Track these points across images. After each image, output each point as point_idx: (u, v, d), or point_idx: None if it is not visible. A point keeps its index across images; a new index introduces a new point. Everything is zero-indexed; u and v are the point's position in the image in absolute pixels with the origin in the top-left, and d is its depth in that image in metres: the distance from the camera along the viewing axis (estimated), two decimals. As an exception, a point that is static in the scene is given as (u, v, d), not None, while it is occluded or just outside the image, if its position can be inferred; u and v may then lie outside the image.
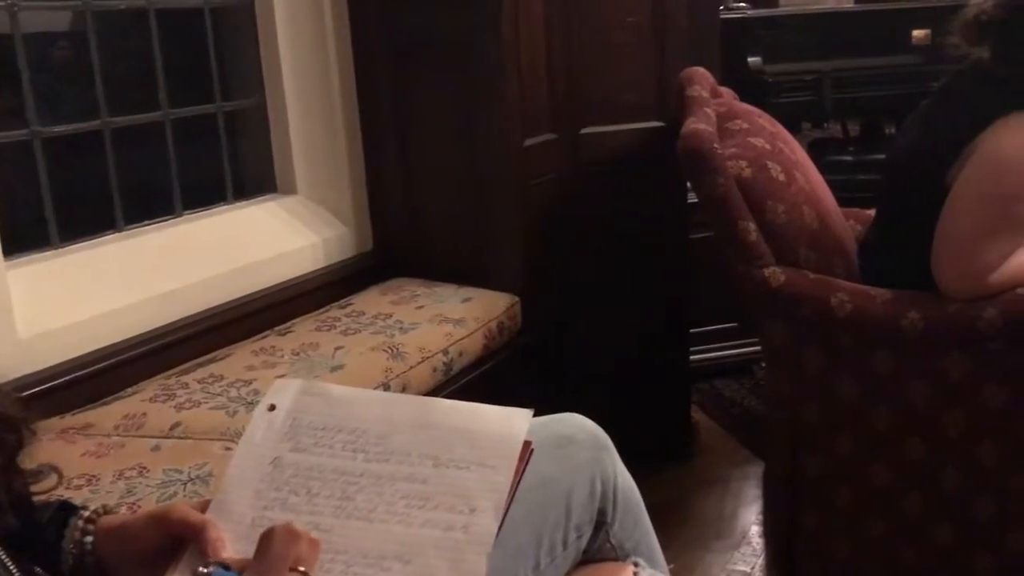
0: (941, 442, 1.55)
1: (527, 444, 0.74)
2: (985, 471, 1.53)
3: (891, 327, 1.52)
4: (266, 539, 0.67)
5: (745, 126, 1.77)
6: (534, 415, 0.79)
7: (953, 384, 1.51)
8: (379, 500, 0.73)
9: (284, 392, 0.80)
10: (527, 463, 0.73)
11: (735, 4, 3.33)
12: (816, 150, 3.37)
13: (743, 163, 1.62)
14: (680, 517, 2.08)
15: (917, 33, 3.20)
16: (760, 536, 1.93)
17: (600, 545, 1.02)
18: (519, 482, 0.73)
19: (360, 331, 1.76)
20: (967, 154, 1.50)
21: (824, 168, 3.24)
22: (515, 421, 0.76)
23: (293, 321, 1.86)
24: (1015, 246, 1.48)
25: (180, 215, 1.92)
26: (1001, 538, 1.54)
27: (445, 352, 1.74)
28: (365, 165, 2.14)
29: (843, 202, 2.05)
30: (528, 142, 2.02)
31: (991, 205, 1.48)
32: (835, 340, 1.58)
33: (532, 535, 0.94)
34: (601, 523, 1.02)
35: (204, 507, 0.75)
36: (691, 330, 2.45)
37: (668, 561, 1.10)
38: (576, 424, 1.05)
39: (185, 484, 1.25)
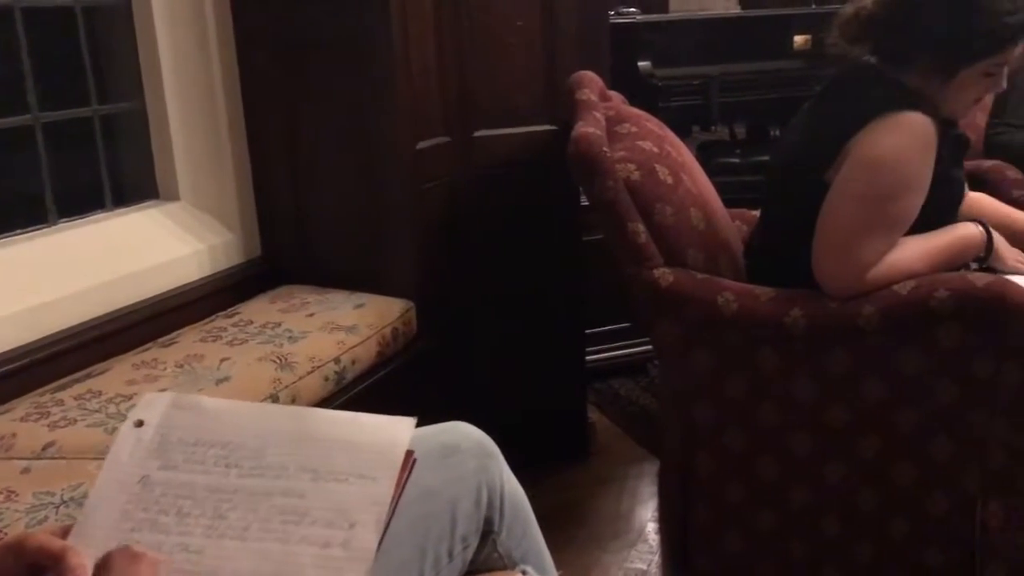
0: (825, 436, 1.59)
1: (409, 454, 0.72)
2: (867, 463, 1.58)
3: (775, 325, 1.56)
4: (103, 566, 0.64)
5: (634, 130, 1.79)
6: (421, 424, 0.77)
7: (835, 379, 1.56)
8: (254, 517, 0.70)
9: (153, 407, 0.76)
10: (409, 474, 0.71)
11: (625, 9, 3.38)
12: (705, 152, 3.45)
13: (632, 166, 1.64)
14: (578, 517, 2.09)
15: (798, 38, 3.30)
16: (656, 533, 1.95)
17: (487, 555, 1.01)
18: (401, 494, 0.71)
19: (247, 341, 1.70)
20: (844, 154, 1.55)
21: (713, 170, 3.34)
22: (397, 431, 0.74)
23: (177, 332, 1.79)
24: (891, 244, 1.54)
25: (54, 224, 1.82)
26: (883, 528, 1.60)
27: (337, 361, 1.70)
28: (252, 169, 2.08)
29: (731, 203, 2.10)
30: (421, 145, 2.00)
31: (867, 205, 1.53)
32: (723, 339, 1.61)
33: (416, 548, 0.92)
34: (488, 533, 1.00)
35: (66, 532, 0.71)
36: (587, 330, 2.47)
37: (565, 563, 1.10)
38: (461, 433, 1.03)
39: (58, 507, 1.19)
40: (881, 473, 1.58)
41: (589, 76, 1.95)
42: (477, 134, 2.12)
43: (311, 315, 1.83)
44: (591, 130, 1.65)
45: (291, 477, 0.72)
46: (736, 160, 3.38)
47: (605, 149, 1.62)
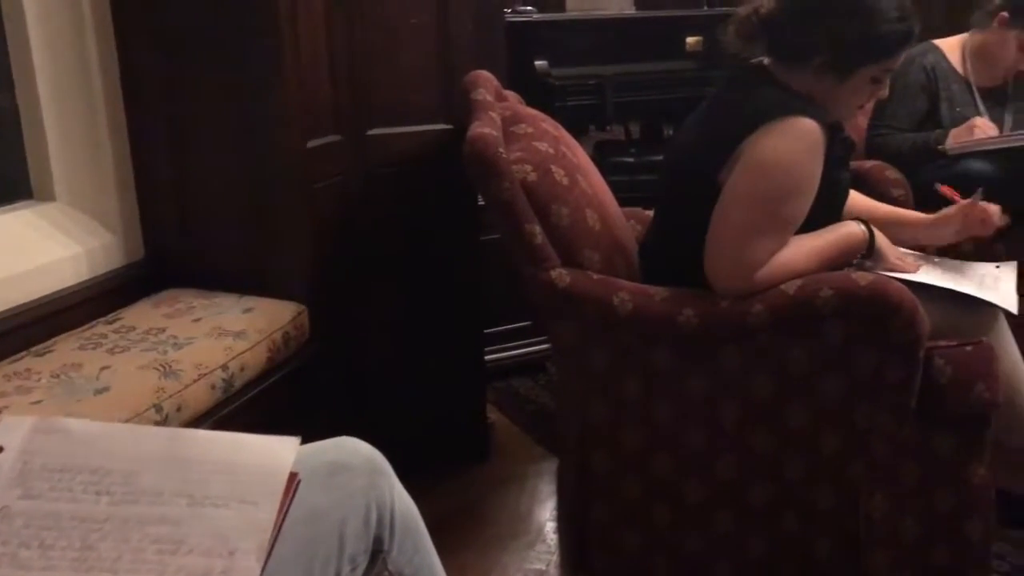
0: (718, 432, 1.62)
1: (293, 476, 0.69)
2: (758, 458, 1.62)
3: (669, 324, 1.58)
4: None
5: (530, 130, 1.79)
6: (312, 434, 0.74)
7: (727, 376, 1.59)
8: (126, 548, 0.66)
9: (13, 431, 0.71)
10: (293, 496, 0.68)
11: (522, 7, 3.38)
12: (601, 152, 3.49)
13: (528, 167, 1.64)
14: (477, 518, 2.08)
15: (690, 40, 3.36)
16: (555, 533, 1.96)
17: (378, 574, 0.98)
18: (284, 517, 0.68)
19: (129, 348, 1.62)
20: (736, 157, 1.58)
21: (608, 169, 3.37)
22: (280, 452, 0.70)
23: (54, 340, 1.70)
24: (780, 244, 1.58)
25: (-86, 225, 1.70)
26: (774, 522, 1.63)
27: (225, 368, 1.64)
28: (134, 168, 1.99)
29: (626, 202, 2.12)
30: (311, 143, 1.94)
31: (757, 206, 1.56)
32: (618, 338, 1.63)
33: (302, 572, 0.88)
34: (378, 552, 0.97)
35: None
36: (486, 330, 2.46)
37: (465, 565, 1.08)
38: (349, 449, 1.00)
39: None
40: (772, 468, 1.62)
41: (485, 76, 1.94)
42: (371, 132, 2.08)
43: (197, 320, 1.76)
44: (487, 130, 1.63)
45: (166, 503, 0.68)
46: (631, 159, 3.42)
47: (501, 150, 1.61)
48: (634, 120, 3.83)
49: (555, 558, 1.90)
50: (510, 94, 2.05)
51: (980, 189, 1.87)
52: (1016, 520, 1.87)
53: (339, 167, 2.04)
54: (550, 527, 2.01)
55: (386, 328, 2.15)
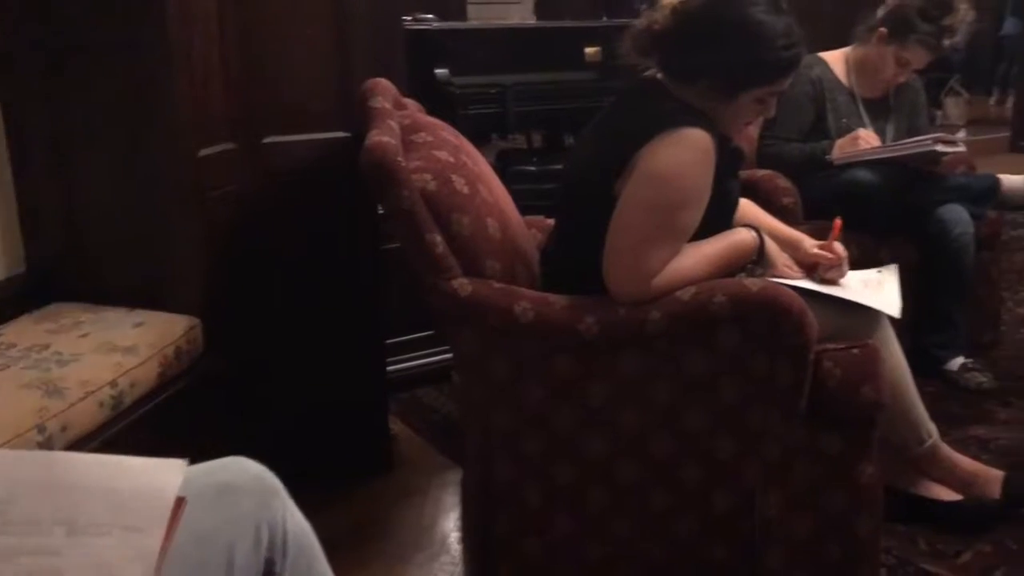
0: (618, 439, 1.64)
1: (179, 500, 0.67)
2: (657, 464, 1.64)
3: (570, 332, 1.59)
4: None
5: (429, 139, 1.78)
6: (204, 455, 0.72)
7: (627, 383, 1.61)
8: (-2, 582, 0.62)
9: None
10: (179, 520, 0.66)
11: (422, 16, 3.37)
12: (503, 160, 3.50)
13: (428, 176, 1.63)
14: (381, 531, 2.05)
15: (589, 50, 3.41)
16: (459, 544, 1.95)
17: None
18: (170, 543, 0.65)
19: (9, 367, 1.55)
20: (632, 167, 1.61)
21: (511, 177, 3.38)
22: (165, 475, 0.68)
23: (-76, 359, 1.61)
24: (675, 252, 1.61)
25: None
26: (673, 527, 1.66)
27: (114, 384, 1.57)
28: (13, 177, 1.90)
29: (528, 210, 2.14)
30: (203, 152, 1.89)
31: (652, 215, 1.59)
32: (520, 346, 1.63)
33: (191, 598, 0.85)
34: (269, 573, 0.95)
35: None
36: (388, 340, 2.44)
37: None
38: (238, 469, 0.97)
39: None
40: (671, 472, 1.64)
41: (383, 83, 1.92)
42: (267, 140, 2.03)
43: (84, 335, 1.69)
44: (385, 139, 1.62)
45: (43, 533, 0.64)
46: (533, 168, 3.44)
47: (400, 159, 1.59)
48: (536, 129, 3.86)
49: (459, 569, 1.89)
50: (410, 102, 2.03)
51: (838, 222, 1.89)
52: (902, 515, 1.94)
53: (234, 176, 1.99)
54: (454, 538, 2.00)
55: (285, 340, 2.11)
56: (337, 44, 2.07)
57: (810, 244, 1.88)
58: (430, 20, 3.34)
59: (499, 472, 1.71)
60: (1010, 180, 2.82)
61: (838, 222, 1.90)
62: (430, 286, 1.62)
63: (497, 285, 1.63)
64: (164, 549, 0.64)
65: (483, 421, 1.71)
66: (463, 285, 1.60)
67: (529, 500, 1.70)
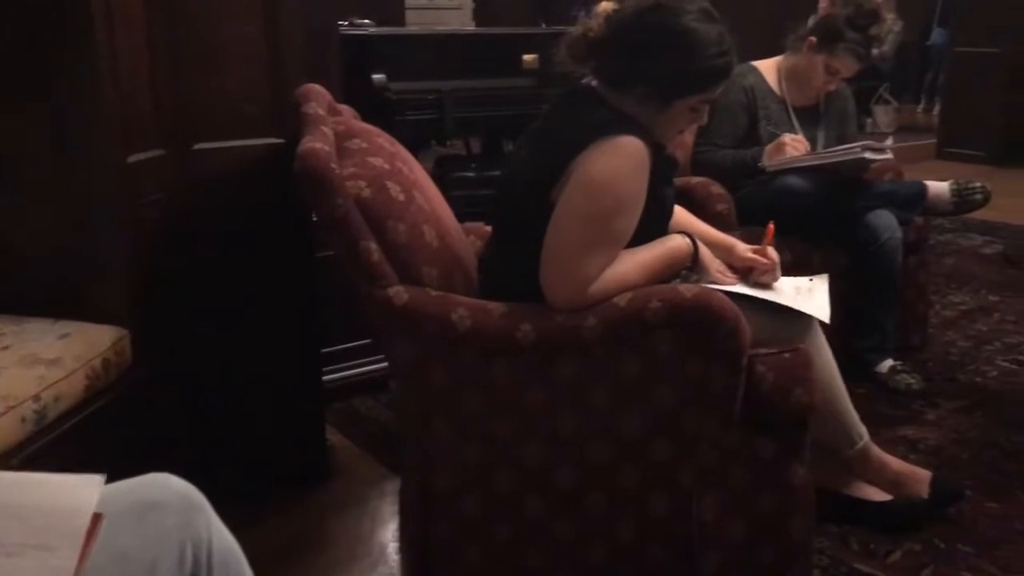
0: (555, 444, 1.64)
1: (96, 517, 0.64)
2: (595, 468, 1.65)
3: (507, 339, 1.59)
4: None
5: (364, 145, 1.76)
6: (131, 470, 0.69)
7: (564, 389, 1.62)
8: (-100, 608, 0.59)
9: None
10: (96, 538, 0.63)
11: (359, 21, 3.34)
12: (442, 167, 3.49)
13: (362, 183, 1.61)
14: (318, 543, 2.02)
15: (527, 57, 3.42)
16: (397, 554, 1.93)
17: None
18: (86, 562, 0.63)
19: (-77, 382, 1.49)
20: (568, 174, 1.61)
21: (450, 184, 3.38)
22: (82, 492, 0.65)
23: None
24: (611, 259, 1.62)
25: None
26: (612, 530, 1.67)
27: (37, 399, 1.52)
28: (-72, 182, 1.83)
29: (468, 216, 2.13)
30: (132, 158, 1.84)
31: (588, 223, 1.60)
32: (458, 354, 1.62)
33: (112, 618, 0.82)
34: None
35: None
36: (324, 349, 2.41)
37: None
38: (161, 486, 0.94)
39: None
40: (608, 477, 1.65)
41: (316, 89, 1.90)
42: (197, 147, 1.99)
43: (5, 348, 1.63)
44: (319, 145, 1.60)
45: (-51, 555, 0.62)
46: (472, 174, 3.44)
47: (333, 165, 1.58)
48: (474, 135, 3.86)
49: (398, 579, 1.87)
50: (344, 108, 2.01)
51: (771, 226, 1.93)
52: (834, 516, 1.98)
53: (163, 183, 1.94)
54: (392, 548, 1.98)
55: (217, 350, 2.06)
56: (270, 48, 2.04)
57: (743, 248, 1.91)
58: (367, 25, 3.32)
59: (437, 481, 1.70)
60: (936, 186, 2.89)
61: (771, 227, 1.94)
62: (365, 295, 1.60)
63: (434, 293, 1.62)
64: (80, 568, 0.62)
65: (421, 430, 1.70)
66: (399, 293, 1.59)
67: (468, 508, 1.69)
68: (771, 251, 1.89)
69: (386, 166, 1.70)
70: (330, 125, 1.77)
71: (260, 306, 2.11)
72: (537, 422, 1.64)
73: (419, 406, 1.70)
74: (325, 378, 2.44)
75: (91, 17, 1.70)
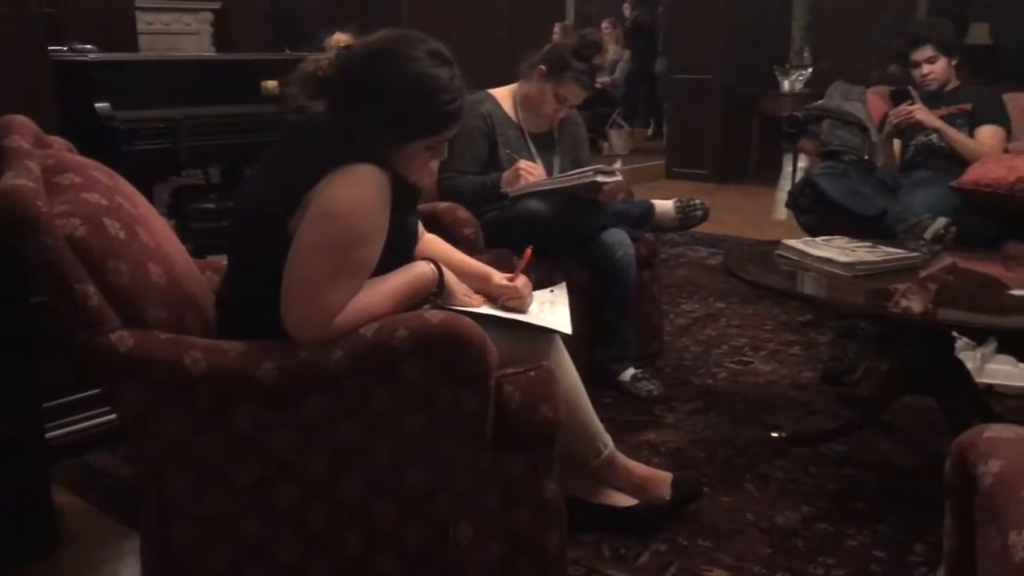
0: (307, 484, 1.59)
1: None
2: (349, 504, 1.61)
3: (247, 379, 1.52)
4: None
5: (77, 180, 1.62)
6: None
7: (312, 426, 1.57)
8: None
9: None
10: None
11: (79, 46, 3.10)
12: (180, 198, 3.31)
13: (76, 221, 1.48)
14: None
15: (268, 83, 3.31)
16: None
17: None
18: None
19: None
20: (305, 205, 1.57)
21: (190, 216, 3.20)
22: None
23: None
24: (355, 289, 1.59)
25: None
26: (371, 566, 1.63)
27: None
28: None
29: (210, 249, 2.02)
30: None
31: (328, 253, 1.56)
32: (194, 400, 1.53)
33: None
34: None
35: None
36: (50, 402, 2.19)
37: None
38: None
39: None
40: (363, 512, 1.61)
41: (19, 120, 1.73)
42: None
43: None
44: (21, 182, 1.45)
45: None
46: (212, 205, 3.28)
47: (40, 203, 1.44)
48: (214, 164, 3.69)
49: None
50: (55, 140, 1.84)
51: (528, 252, 1.99)
52: (586, 525, 2.05)
53: None
54: (135, 613, 1.83)
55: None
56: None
57: (499, 278, 1.95)
58: (88, 51, 3.08)
59: (179, 535, 1.59)
60: (662, 204, 3.10)
61: (528, 252, 1.99)
62: (85, 342, 1.47)
63: (164, 336, 1.52)
64: None
65: (158, 482, 1.59)
66: (123, 338, 1.48)
67: (215, 561, 1.60)
68: (522, 279, 1.94)
69: (103, 202, 1.57)
70: (37, 159, 1.62)
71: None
72: (286, 464, 1.57)
73: (154, 458, 1.59)
74: (51, 434, 2.22)
75: None
